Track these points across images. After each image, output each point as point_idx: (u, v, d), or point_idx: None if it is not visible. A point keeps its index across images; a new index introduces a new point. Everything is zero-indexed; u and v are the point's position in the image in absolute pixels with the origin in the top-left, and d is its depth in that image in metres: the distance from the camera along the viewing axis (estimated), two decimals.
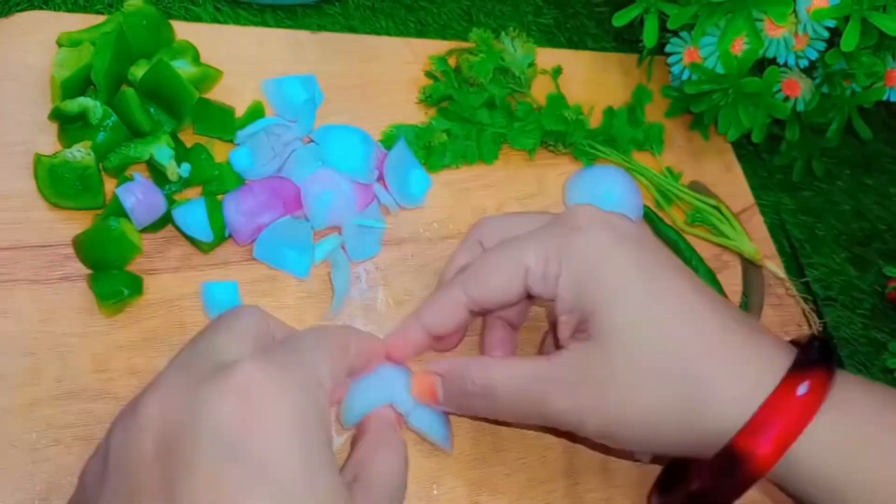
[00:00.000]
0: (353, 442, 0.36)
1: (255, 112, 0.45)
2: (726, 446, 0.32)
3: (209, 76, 0.44)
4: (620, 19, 0.51)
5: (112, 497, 0.27)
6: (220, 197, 0.41)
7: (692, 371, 0.32)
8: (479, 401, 0.35)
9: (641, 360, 0.32)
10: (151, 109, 0.42)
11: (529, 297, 0.37)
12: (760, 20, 0.49)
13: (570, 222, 0.35)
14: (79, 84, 0.41)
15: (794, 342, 0.35)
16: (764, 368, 0.32)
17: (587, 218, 0.35)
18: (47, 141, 0.41)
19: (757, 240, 0.54)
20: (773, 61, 0.50)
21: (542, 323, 0.44)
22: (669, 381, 0.32)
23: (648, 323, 0.33)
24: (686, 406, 0.32)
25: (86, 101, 0.40)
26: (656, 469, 0.40)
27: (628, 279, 0.33)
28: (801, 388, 0.31)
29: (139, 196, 0.39)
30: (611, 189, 0.49)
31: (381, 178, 0.45)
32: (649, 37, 0.51)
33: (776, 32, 0.49)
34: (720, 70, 0.50)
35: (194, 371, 0.28)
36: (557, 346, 0.36)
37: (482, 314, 0.40)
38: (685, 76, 0.52)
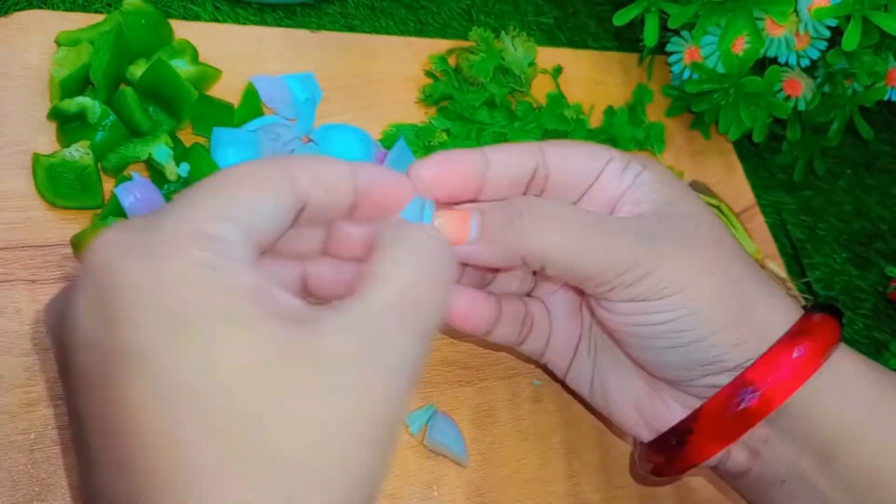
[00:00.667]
0: None
1: (250, 96, 0.44)
2: (743, 374, 0.32)
3: (208, 75, 0.44)
4: (621, 18, 0.51)
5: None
6: None
7: (746, 286, 0.33)
8: (531, 235, 0.30)
9: (714, 244, 0.33)
10: (150, 109, 0.41)
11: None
12: (761, 19, 0.49)
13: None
14: (77, 83, 0.41)
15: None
16: (790, 307, 0.33)
17: None
18: (46, 140, 0.40)
19: (758, 239, 0.53)
20: (774, 61, 0.50)
21: None
22: (729, 280, 0.32)
23: (724, 234, 0.34)
24: (737, 308, 0.32)
25: (84, 101, 0.40)
26: None
27: (699, 201, 0.35)
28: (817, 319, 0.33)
29: (138, 196, 0.39)
30: None
31: None
32: (650, 36, 0.51)
33: (777, 32, 0.49)
34: (721, 69, 0.50)
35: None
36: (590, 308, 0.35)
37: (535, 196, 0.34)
38: (686, 75, 0.52)
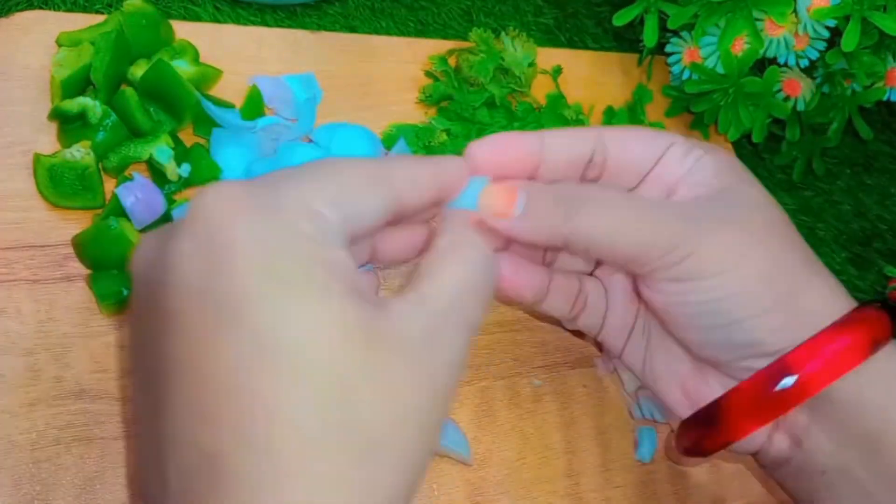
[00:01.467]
0: None
1: (254, 97, 0.44)
2: (783, 358, 0.32)
3: (209, 76, 0.44)
4: (620, 19, 0.51)
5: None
6: None
7: (795, 271, 0.33)
8: (575, 217, 0.31)
9: (764, 226, 0.34)
10: (151, 109, 0.42)
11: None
12: (761, 20, 0.49)
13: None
14: (78, 84, 0.41)
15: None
16: (841, 297, 0.33)
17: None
18: (47, 141, 0.40)
19: None
20: (773, 61, 0.50)
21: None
22: (775, 263, 0.33)
23: (778, 218, 0.35)
24: (782, 293, 0.32)
25: (85, 101, 0.40)
26: (656, 470, 0.40)
27: (761, 191, 0.36)
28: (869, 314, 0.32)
29: (139, 196, 0.39)
30: None
31: None
32: (649, 37, 0.51)
33: (776, 32, 0.49)
34: (720, 70, 0.50)
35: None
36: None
37: (593, 179, 0.35)
38: (685, 76, 0.52)
